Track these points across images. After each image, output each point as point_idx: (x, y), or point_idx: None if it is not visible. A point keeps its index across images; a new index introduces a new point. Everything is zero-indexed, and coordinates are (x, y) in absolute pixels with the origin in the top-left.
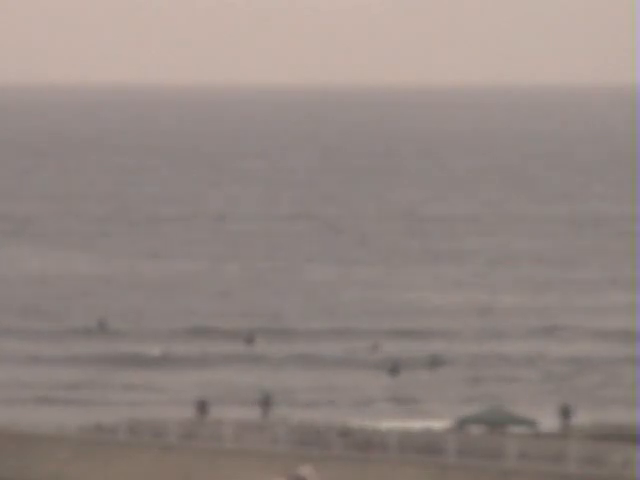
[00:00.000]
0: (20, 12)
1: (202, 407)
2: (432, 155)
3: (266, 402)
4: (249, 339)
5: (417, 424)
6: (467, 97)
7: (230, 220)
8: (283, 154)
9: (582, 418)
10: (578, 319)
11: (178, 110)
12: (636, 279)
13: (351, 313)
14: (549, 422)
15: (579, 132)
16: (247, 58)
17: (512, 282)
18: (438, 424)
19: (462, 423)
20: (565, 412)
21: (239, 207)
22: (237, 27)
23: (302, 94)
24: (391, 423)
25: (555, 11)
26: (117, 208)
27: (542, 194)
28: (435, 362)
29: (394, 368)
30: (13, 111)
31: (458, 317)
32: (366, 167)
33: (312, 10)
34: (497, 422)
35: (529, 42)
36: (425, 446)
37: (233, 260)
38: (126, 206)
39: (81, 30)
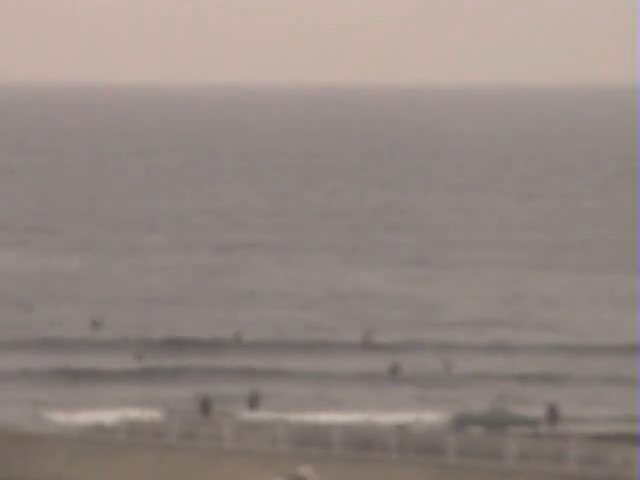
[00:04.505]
0: (20, 12)
1: (205, 405)
2: (431, 155)
3: (253, 400)
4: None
5: (415, 420)
6: (468, 97)
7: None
8: (279, 153)
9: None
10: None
11: (177, 110)
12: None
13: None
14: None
15: (578, 132)
16: (246, 58)
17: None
18: (437, 418)
19: (462, 423)
20: (552, 412)
21: (223, 206)
22: (236, 27)
23: (302, 94)
24: (389, 418)
25: (555, 11)
26: (109, 209)
27: (539, 194)
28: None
29: (394, 369)
30: (12, 111)
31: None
32: (363, 166)
33: (311, 10)
34: (497, 422)
35: (529, 42)
36: (425, 446)
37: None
38: (117, 207)
39: (81, 30)
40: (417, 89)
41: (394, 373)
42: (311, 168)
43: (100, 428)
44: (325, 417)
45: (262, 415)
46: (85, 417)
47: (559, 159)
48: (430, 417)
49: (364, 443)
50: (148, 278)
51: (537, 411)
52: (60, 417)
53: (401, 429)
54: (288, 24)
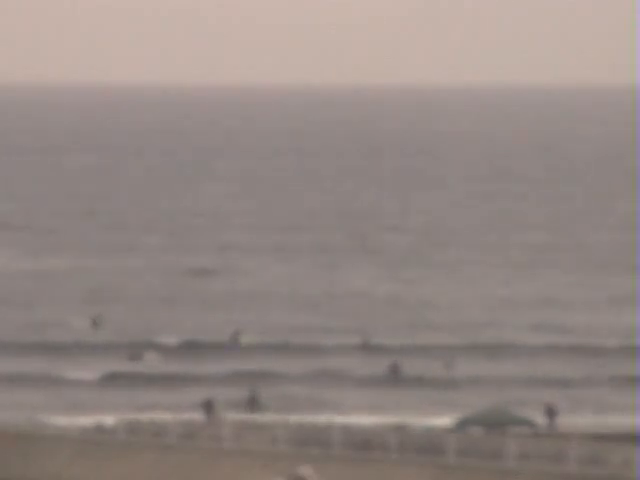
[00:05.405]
0: (20, 12)
1: (209, 407)
2: (430, 155)
3: (252, 401)
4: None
5: (418, 422)
6: (468, 97)
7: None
8: (279, 153)
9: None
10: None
11: (177, 110)
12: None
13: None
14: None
15: (578, 132)
16: (246, 58)
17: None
18: (439, 422)
19: (463, 423)
20: (550, 412)
21: (217, 205)
22: (236, 27)
23: (302, 94)
24: (391, 420)
25: (555, 11)
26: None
27: (538, 194)
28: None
29: (394, 370)
30: (12, 111)
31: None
32: (363, 166)
33: (311, 10)
34: (497, 422)
35: (529, 42)
36: (425, 446)
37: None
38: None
39: (81, 30)
40: (417, 89)
41: (394, 374)
42: (311, 168)
43: (100, 428)
44: (325, 417)
45: (262, 416)
46: (85, 419)
47: (559, 159)
48: (433, 421)
49: (364, 443)
50: (146, 278)
51: (536, 412)
52: (60, 419)
53: (401, 429)
54: (288, 24)
